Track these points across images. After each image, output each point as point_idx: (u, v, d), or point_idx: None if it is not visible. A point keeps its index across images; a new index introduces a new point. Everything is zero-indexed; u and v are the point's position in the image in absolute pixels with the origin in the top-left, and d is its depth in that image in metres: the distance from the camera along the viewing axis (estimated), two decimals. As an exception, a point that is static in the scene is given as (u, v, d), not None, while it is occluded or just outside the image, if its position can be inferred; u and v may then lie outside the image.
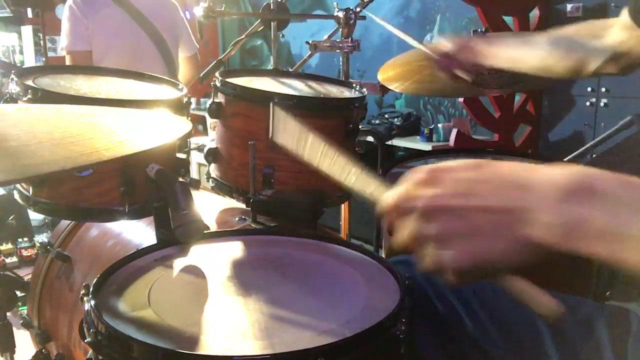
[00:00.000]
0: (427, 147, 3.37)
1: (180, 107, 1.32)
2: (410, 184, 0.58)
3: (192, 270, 0.92)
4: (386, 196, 0.60)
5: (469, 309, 0.85)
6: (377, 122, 3.86)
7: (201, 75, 1.91)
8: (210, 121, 1.42)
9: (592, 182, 0.51)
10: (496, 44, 1.16)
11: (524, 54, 1.11)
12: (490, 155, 1.59)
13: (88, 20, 2.33)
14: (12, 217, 3.44)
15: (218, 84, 1.32)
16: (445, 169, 0.57)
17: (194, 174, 3.61)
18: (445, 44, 1.21)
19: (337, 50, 1.71)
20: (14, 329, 1.24)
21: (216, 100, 1.33)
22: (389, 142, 3.64)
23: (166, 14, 2.54)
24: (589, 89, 2.92)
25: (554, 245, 0.51)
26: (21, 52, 5.74)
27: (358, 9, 1.70)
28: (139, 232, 1.32)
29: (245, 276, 0.90)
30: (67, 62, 2.40)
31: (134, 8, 2.39)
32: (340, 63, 1.74)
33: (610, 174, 0.51)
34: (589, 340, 0.77)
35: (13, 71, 1.24)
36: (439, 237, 0.54)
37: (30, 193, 1.17)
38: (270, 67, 1.74)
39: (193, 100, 3.62)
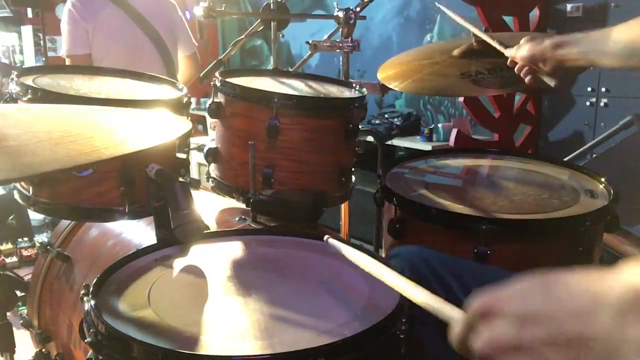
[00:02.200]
0: (427, 147, 3.37)
1: (180, 107, 1.32)
2: (472, 318, 0.54)
3: (192, 270, 0.92)
4: (454, 327, 0.57)
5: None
6: (377, 122, 3.86)
7: (201, 75, 1.90)
8: (210, 121, 1.42)
9: None
10: (564, 46, 1.13)
11: (603, 56, 1.09)
12: (491, 155, 1.59)
13: (87, 23, 2.33)
14: (12, 217, 3.43)
15: (218, 84, 1.32)
16: (499, 300, 0.52)
17: (194, 174, 3.61)
18: (522, 52, 1.20)
19: (337, 50, 1.70)
20: (14, 329, 1.24)
21: (216, 100, 1.33)
22: (389, 142, 3.64)
23: (164, 13, 2.54)
24: (589, 89, 2.92)
25: None
26: (21, 52, 5.74)
27: (358, 9, 1.70)
28: (139, 232, 1.32)
29: (245, 276, 0.89)
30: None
31: (132, 9, 2.39)
32: (340, 63, 1.74)
33: None
34: None
35: (13, 71, 1.24)
36: None
37: (30, 193, 1.17)
38: (270, 67, 1.74)
39: (193, 100, 3.62)
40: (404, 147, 3.63)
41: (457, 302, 0.85)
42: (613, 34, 1.07)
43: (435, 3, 1.45)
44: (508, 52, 1.26)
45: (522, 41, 1.21)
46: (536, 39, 1.19)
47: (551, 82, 1.17)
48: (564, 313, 0.48)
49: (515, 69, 1.24)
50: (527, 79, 1.21)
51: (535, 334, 0.48)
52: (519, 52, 1.21)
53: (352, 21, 1.67)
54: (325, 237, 0.84)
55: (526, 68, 1.21)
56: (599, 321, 0.46)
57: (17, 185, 1.22)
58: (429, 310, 0.62)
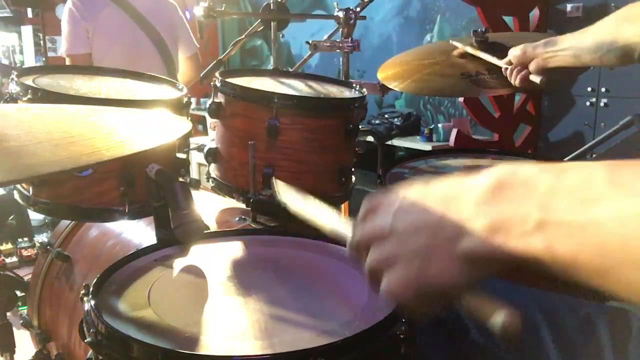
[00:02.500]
0: (427, 147, 3.37)
1: (180, 107, 1.32)
2: (358, 220, 0.59)
3: (192, 270, 0.92)
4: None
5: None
6: (377, 122, 3.86)
7: (201, 75, 1.91)
8: (210, 121, 1.42)
9: (510, 176, 0.48)
10: (553, 44, 1.19)
11: (579, 52, 1.14)
12: (491, 155, 1.59)
13: (87, 23, 2.33)
14: (12, 217, 3.44)
15: (218, 84, 1.32)
16: (380, 199, 0.58)
17: (194, 174, 3.61)
18: (516, 50, 1.26)
19: (337, 50, 1.70)
20: (14, 329, 1.24)
21: (216, 100, 1.33)
22: (389, 142, 3.64)
23: (165, 14, 2.54)
24: (589, 89, 2.92)
25: (489, 254, 0.48)
26: (21, 52, 5.74)
27: (358, 9, 1.70)
28: (139, 232, 1.32)
29: (245, 276, 0.90)
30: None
31: (133, 9, 2.39)
32: (340, 63, 1.74)
33: (533, 164, 0.48)
34: (589, 340, 0.77)
35: (13, 71, 1.25)
36: (373, 268, 0.55)
37: (30, 193, 1.17)
38: (270, 67, 1.74)
39: (193, 100, 3.62)
40: (404, 147, 3.63)
41: (456, 313, 0.85)
42: (588, 30, 1.13)
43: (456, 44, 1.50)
44: (502, 62, 1.32)
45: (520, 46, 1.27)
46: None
47: (537, 79, 1.22)
48: (430, 202, 0.53)
49: (507, 72, 1.29)
50: (517, 81, 1.27)
51: (402, 222, 0.53)
52: (513, 50, 1.26)
53: (352, 21, 1.67)
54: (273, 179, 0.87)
55: (516, 70, 1.26)
56: (458, 208, 0.50)
57: (17, 185, 1.22)
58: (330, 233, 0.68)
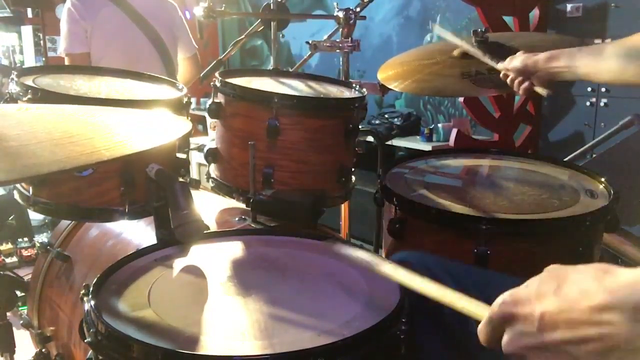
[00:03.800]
0: (427, 147, 3.37)
1: (180, 107, 1.32)
2: (495, 321, 0.57)
3: (192, 270, 0.92)
4: (480, 332, 0.60)
5: None
6: (377, 122, 3.86)
7: (201, 75, 1.90)
8: (210, 121, 1.42)
9: None
10: (564, 59, 1.15)
11: (598, 67, 1.09)
12: (491, 155, 1.59)
13: (86, 22, 2.33)
14: (12, 217, 3.43)
15: (218, 84, 1.32)
16: (518, 301, 0.54)
17: (194, 174, 3.61)
18: (515, 63, 1.22)
19: (337, 50, 1.70)
20: (14, 329, 1.24)
21: (216, 100, 1.33)
22: (389, 142, 3.64)
23: (165, 14, 2.54)
24: (589, 89, 2.92)
25: None
26: (21, 52, 5.73)
27: (358, 9, 1.70)
28: (139, 232, 1.32)
29: (245, 276, 0.90)
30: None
31: (132, 9, 2.39)
32: (340, 63, 1.74)
33: None
34: None
35: (13, 71, 1.24)
36: None
37: (30, 193, 1.17)
38: (270, 67, 1.74)
39: (193, 100, 3.62)
40: (404, 147, 3.62)
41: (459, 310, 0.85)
42: (607, 48, 1.08)
43: (430, 23, 1.47)
44: (500, 66, 1.28)
45: (517, 54, 1.23)
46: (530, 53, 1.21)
47: (543, 92, 1.20)
48: (578, 313, 0.50)
49: (508, 81, 1.27)
50: (520, 90, 1.24)
51: (556, 336, 0.51)
52: (512, 63, 1.23)
53: (352, 21, 1.67)
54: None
55: (518, 80, 1.23)
56: (615, 322, 0.48)
57: (17, 185, 1.22)
58: (455, 309, 0.65)
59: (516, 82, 1.24)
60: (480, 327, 0.59)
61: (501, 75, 1.29)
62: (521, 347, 0.53)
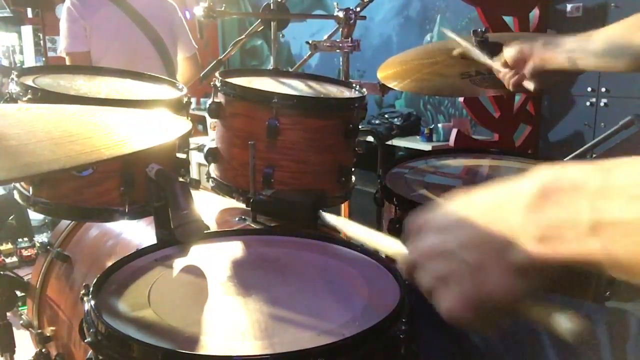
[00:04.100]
0: (427, 147, 3.37)
1: (180, 107, 1.32)
2: (408, 236, 0.59)
3: (192, 270, 0.92)
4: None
5: None
6: (377, 122, 3.86)
7: (201, 75, 1.90)
8: (210, 121, 1.42)
9: (555, 181, 0.47)
10: (553, 46, 1.15)
11: (583, 55, 1.10)
12: (491, 155, 1.59)
13: (86, 21, 2.33)
14: (12, 217, 3.43)
15: (218, 84, 1.32)
16: (423, 220, 0.57)
17: (194, 174, 3.61)
18: (510, 50, 1.21)
19: (337, 50, 1.70)
20: (14, 329, 1.24)
21: (216, 100, 1.33)
22: (389, 142, 3.64)
23: (164, 14, 2.54)
24: (589, 89, 2.92)
25: (542, 263, 0.47)
26: (21, 52, 5.73)
27: (358, 9, 1.70)
28: (139, 232, 1.32)
29: (245, 276, 0.89)
30: (67, 64, 2.40)
31: (131, 8, 2.39)
32: (340, 63, 1.74)
33: (574, 166, 0.47)
34: (588, 342, 0.77)
35: (13, 71, 1.24)
36: (429, 288, 0.54)
37: (30, 193, 1.17)
38: (270, 67, 1.74)
39: (193, 100, 3.62)
40: (404, 147, 3.63)
41: None
42: (594, 34, 1.09)
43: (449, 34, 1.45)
44: (496, 62, 1.27)
45: (513, 44, 1.22)
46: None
47: (530, 86, 1.19)
48: (477, 215, 0.52)
49: (500, 75, 1.25)
50: (510, 84, 1.23)
51: (452, 238, 0.52)
52: (507, 51, 1.22)
53: (352, 21, 1.67)
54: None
55: (509, 74, 1.22)
56: (505, 218, 0.49)
57: (17, 185, 1.22)
58: (379, 250, 0.68)
59: (508, 75, 1.23)
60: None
61: (494, 71, 1.28)
62: (421, 251, 0.55)
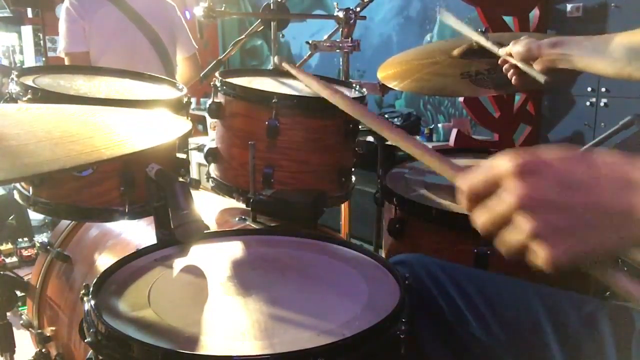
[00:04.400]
0: (427, 147, 3.37)
1: (180, 107, 1.32)
2: (500, 172, 0.55)
3: (192, 270, 0.92)
4: (468, 179, 0.59)
5: (472, 306, 0.85)
6: (377, 122, 3.86)
7: (201, 75, 1.90)
8: (210, 121, 1.42)
9: None
10: (564, 48, 1.11)
11: (599, 61, 1.08)
12: (491, 155, 1.59)
13: (85, 22, 2.33)
14: (12, 217, 3.43)
15: (218, 84, 1.32)
16: (542, 160, 0.54)
17: (194, 174, 3.61)
18: (518, 46, 1.17)
19: (337, 50, 1.70)
20: (14, 329, 1.24)
21: (216, 100, 1.33)
22: (389, 142, 3.64)
23: (163, 14, 2.54)
24: (589, 89, 2.92)
25: None
26: (21, 52, 5.74)
27: (358, 9, 1.70)
28: (139, 232, 1.32)
29: (245, 276, 0.89)
30: (66, 64, 2.40)
31: (130, 8, 2.39)
32: (340, 63, 1.74)
33: None
34: (592, 337, 0.77)
35: (13, 71, 1.24)
36: (538, 234, 0.52)
37: (30, 193, 1.17)
38: (270, 67, 1.74)
39: (193, 100, 3.62)
40: (404, 147, 3.62)
41: (458, 311, 0.86)
42: (615, 38, 1.05)
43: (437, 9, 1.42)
44: (502, 51, 1.23)
45: (521, 38, 1.19)
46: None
47: (541, 78, 1.15)
48: (612, 180, 0.51)
49: (505, 68, 1.22)
50: (514, 79, 1.20)
51: (578, 199, 0.51)
52: (515, 46, 1.18)
53: (352, 21, 1.67)
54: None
55: (513, 69, 1.19)
56: (630, 193, 0.50)
57: (17, 185, 1.22)
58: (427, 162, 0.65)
59: (512, 70, 1.20)
60: (474, 177, 0.59)
61: (500, 60, 1.24)
62: (535, 196, 0.52)
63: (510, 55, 1.20)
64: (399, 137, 0.68)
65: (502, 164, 0.55)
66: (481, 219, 0.56)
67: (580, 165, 0.53)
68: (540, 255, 0.52)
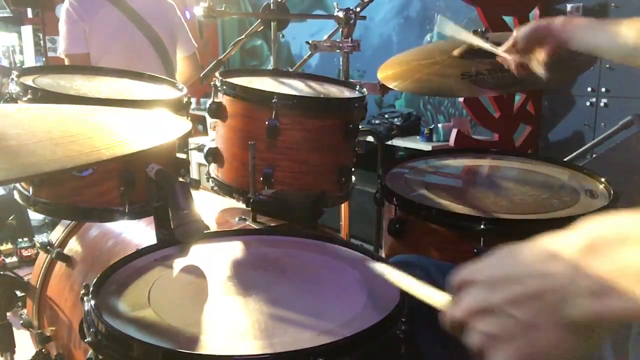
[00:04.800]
0: (427, 147, 3.37)
1: (180, 107, 1.32)
2: (455, 294, 0.56)
3: (192, 270, 0.92)
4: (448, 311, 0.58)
5: None
6: (377, 122, 3.86)
7: (201, 75, 1.90)
8: (210, 121, 1.42)
9: (603, 231, 0.47)
10: (574, 28, 1.07)
11: (608, 43, 1.04)
12: (491, 155, 1.59)
13: (85, 23, 2.33)
14: (12, 217, 3.43)
15: (218, 84, 1.32)
16: (473, 270, 0.55)
17: (194, 174, 3.62)
18: (525, 29, 1.14)
19: (337, 50, 1.70)
20: (14, 329, 1.24)
21: (216, 100, 1.33)
22: (389, 142, 3.64)
23: (163, 14, 2.54)
24: (589, 89, 2.92)
25: (600, 317, 0.46)
26: (21, 52, 5.74)
27: (358, 9, 1.70)
28: (139, 232, 1.32)
29: (245, 276, 0.89)
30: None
31: (130, 9, 2.39)
32: (340, 63, 1.74)
33: (619, 215, 0.47)
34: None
35: (13, 71, 1.24)
36: (480, 345, 0.52)
37: (30, 193, 1.17)
38: (270, 67, 1.74)
39: (193, 100, 3.62)
40: (404, 147, 3.63)
41: None
42: (624, 22, 1.03)
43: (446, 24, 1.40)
44: (504, 47, 1.21)
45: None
46: None
47: (540, 71, 1.12)
48: (525, 271, 0.50)
49: (510, 58, 1.19)
50: (516, 69, 1.17)
51: (502, 295, 0.50)
52: (521, 31, 1.14)
53: (352, 21, 1.67)
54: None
55: (516, 58, 1.16)
56: (555, 273, 0.48)
57: (17, 185, 1.22)
58: (420, 299, 0.64)
59: (514, 60, 1.16)
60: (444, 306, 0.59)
61: (498, 59, 1.22)
62: (468, 308, 0.53)
63: (511, 48, 1.17)
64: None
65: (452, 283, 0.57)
66: (450, 329, 0.57)
67: (500, 263, 0.53)
68: None
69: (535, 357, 0.49)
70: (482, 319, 0.52)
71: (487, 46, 1.30)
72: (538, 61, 1.13)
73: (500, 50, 1.22)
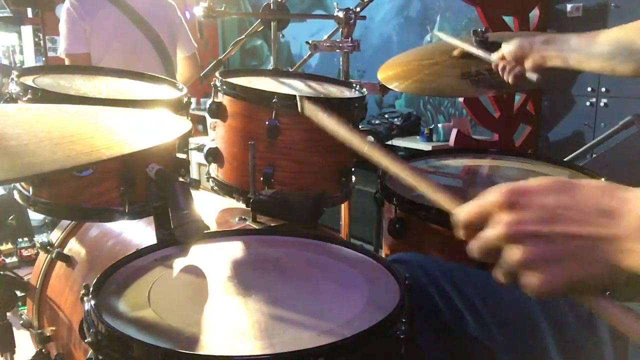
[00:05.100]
0: (427, 147, 3.37)
1: (180, 107, 1.32)
2: (490, 204, 0.57)
3: (192, 270, 0.92)
4: (463, 211, 0.59)
5: (471, 307, 0.85)
6: (377, 122, 3.86)
7: (201, 75, 1.90)
8: (210, 121, 1.42)
9: None
10: (555, 45, 1.13)
11: (586, 56, 1.09)
12: (491, 155, 1.59)
13: (85, 23, 2.33)
14: (12, 217, 3.43)
15: (218, 84, 1.32)
16: (527, 191, 0.55)
17: (194, 174, 3.61)
18: (510, 45, 1.20)
19: (337, 50, 1.70)
20: (14, 329, 1.24)
21: (216, 100, 1.33)
22: (389, 142, 3.64)
23: (163, 14, 2.54)
24: (589, 89, 2.92)
25: None
26: (21, 52, 5.74)
27: (358, 9, 1.70)
28: (139, 232, 1.32)
29: (245, 276, 0.89)
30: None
31: (131, 9, 2.39)
32: (340, 63, 1.74)
33: None
34: (590, 337, 0.77)
35: (13, 71, 1.24)
36: (526, 263, 0.53)
37: (30, 193, 1.17)
38: (270, 67, 1.74)
39: (193, 100, 3.61)
40: (404, 147, 3.63)
41: (456, 310, 0.86)
42: (601, 34, 1.08)
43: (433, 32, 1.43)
44: (494, 56, 1.26)
45: (513, 40, 1.21)
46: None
47: (533, 77, 1.17)
48: (593, 210, 0.53)
49: (499, 68, 1.24)
50: (510, 78, 1.21)
51: (564, 227, 0.53)
52: (507, 47, 1.20)
53: (352, 21, 1.67)
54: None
55: (509, 67, 1.21)
56: (625, 223, 0.51)
57: (17, 185, 1.22)
58: (428, 197, 0.65)
59: (507, 69, 1.21)
60: (468, 209, 0.59)
61: (492, 65, 1.27)
62: (521, 226, 0.54)
63: (503, 58, 1.23)
64: (397, 167, 0.68)
65: (492, 196, 0.57)
66: (475, 248, 0.57)
67: (562, 196, 0.54)
68: (529, 283, 0.53)
69: (567, 284, 0.52)
70: (529, 240, 0.53)
71: (480, 53, 1.33)
72: (528, 70, 1.18)
73: (493, 58, 1.26)
